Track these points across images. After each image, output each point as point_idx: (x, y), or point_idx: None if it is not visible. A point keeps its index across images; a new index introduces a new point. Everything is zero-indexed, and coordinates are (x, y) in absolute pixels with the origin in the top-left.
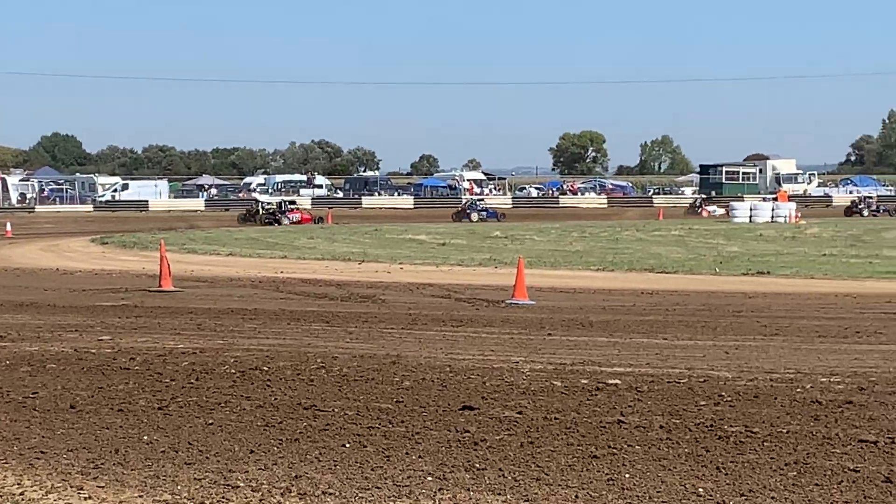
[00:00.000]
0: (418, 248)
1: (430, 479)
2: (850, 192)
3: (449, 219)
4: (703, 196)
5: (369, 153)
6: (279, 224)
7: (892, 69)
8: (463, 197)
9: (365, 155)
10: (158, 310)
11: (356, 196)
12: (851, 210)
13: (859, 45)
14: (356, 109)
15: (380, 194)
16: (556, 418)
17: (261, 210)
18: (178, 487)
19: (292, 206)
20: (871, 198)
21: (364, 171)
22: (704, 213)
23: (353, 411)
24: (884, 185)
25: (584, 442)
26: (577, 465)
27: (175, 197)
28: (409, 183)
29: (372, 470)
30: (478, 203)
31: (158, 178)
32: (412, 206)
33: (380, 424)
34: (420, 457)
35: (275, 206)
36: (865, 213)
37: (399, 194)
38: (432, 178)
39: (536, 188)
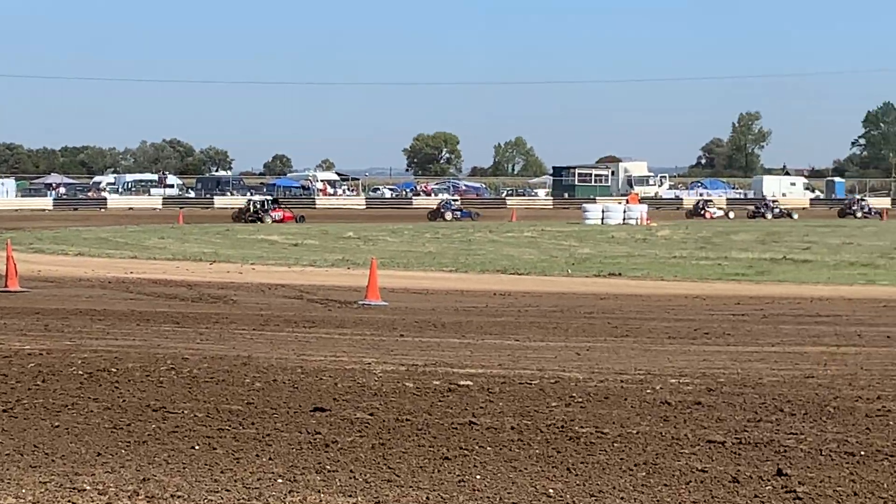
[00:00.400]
0: (270, 248)
1: (280, 481)
2: (700, 195)
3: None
4: (705, 199)
5: (222, 153)
6: (262, 222)
7: (743, 73)
8: (442, 196)
9: (217, 154)
10: (4, 310)
11: (208, 196)
12: (845, 212)
13: (711, 50)
14: (208, 108)
15: (232, 194)
16: (407, 420)
17: (252, 208)
18: (23, 491)
19: (275, 205)
20: (864, 200)
21: (216, 170)
22: (707, 215)
23: (203, 413)
24: (733, 188)
25: (435, 443)
26: (428, 466)
27: (22, 196)
28: (261, 183)
29: (221, 472)
30: (452, 203)
31: (5, 177)
32: None
33: (230, 426)
34: (270, 459)
35: (258, 205)
36: (859, 214)
37: (252, 194)
38: (285, 179)
39: (390, 189)
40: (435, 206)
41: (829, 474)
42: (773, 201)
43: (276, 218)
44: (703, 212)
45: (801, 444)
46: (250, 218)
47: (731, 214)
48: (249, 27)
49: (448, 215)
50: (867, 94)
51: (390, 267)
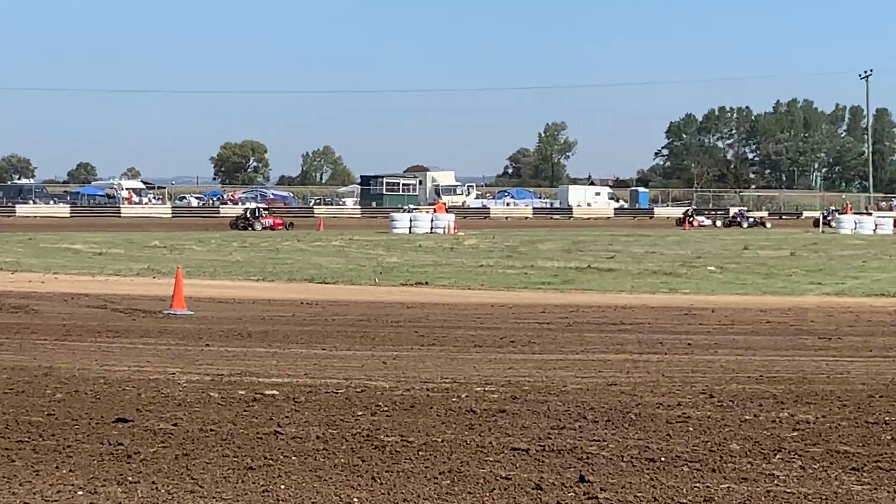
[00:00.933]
0: (74, 257)
1: (80, 493)
2: (507, 205)
3: (102, 228)
4: (694, 207)
5: (24, 160)
6: (252, 229)
7: (549, 84)
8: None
9: (20, 162)
10: None
11: (10, 204)
12: (819, 222)
13: (518, 60)
14: (10, 115)
15: (35, 202)
16: (212, 430)
17: (248, 216)
18: None
19: (265, 213)
20: (838, 211)
21: (18, 178)
22: (695, 223)
23: (3, 425)
24: (539, 198)
25: (240, 453)
26: (232, 476)
27: None
28: (65, 191)
29: (20, 485)
30: (413, 211)
31: None
32: (69, 215)
33: (30, 438)
34: (71, 471)
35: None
36: (833, 224)
37: (55, 202)
38: (90, 187)
39: (197, 198)
40: None
41: (631, 480)
42: (748, 211)
43: (266, 225)
44: (691, 220)
45: (604, 451)
46: (241, 225)
47: (718, 223)
48: (52, 31)
49: None
50: (670, 105)
51: (196, 276)
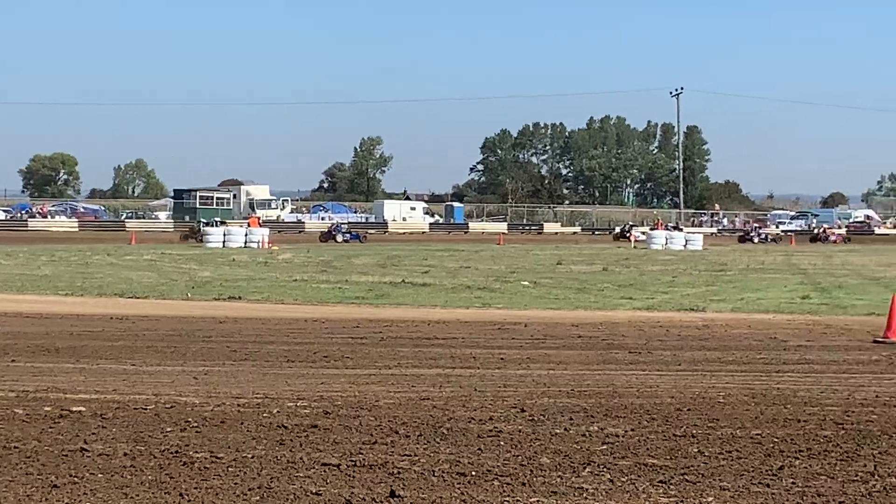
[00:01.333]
0: None
1: None
2: (322, 219)
3: None
4: (630, 223)
5: None
6: (201, 242)
7: (365, 98)
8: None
9: None
10: None
11: None
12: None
13: (333, 73)
14: None
15: None
16: (15, 447)
17: (200, 228)
18: None
19: (218, 225)
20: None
21: None
22: (631, 238)
23: None
24: (355, 212)
25: (44, 471)
26: (36, 495)
27: None
28: None
29: None
30: (342, 226)
31: None
32: None
33: None
34: None
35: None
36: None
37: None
38: None
39: (4, 211)
40: (327, 229)
41: (441, 495)
42: (674, 227)
43: None
44: (627, 234)
45: (415, 466)
46: (200, 238)
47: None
48: None
49: (339, 237)
50: (485, 121)
51: (3, 291)
